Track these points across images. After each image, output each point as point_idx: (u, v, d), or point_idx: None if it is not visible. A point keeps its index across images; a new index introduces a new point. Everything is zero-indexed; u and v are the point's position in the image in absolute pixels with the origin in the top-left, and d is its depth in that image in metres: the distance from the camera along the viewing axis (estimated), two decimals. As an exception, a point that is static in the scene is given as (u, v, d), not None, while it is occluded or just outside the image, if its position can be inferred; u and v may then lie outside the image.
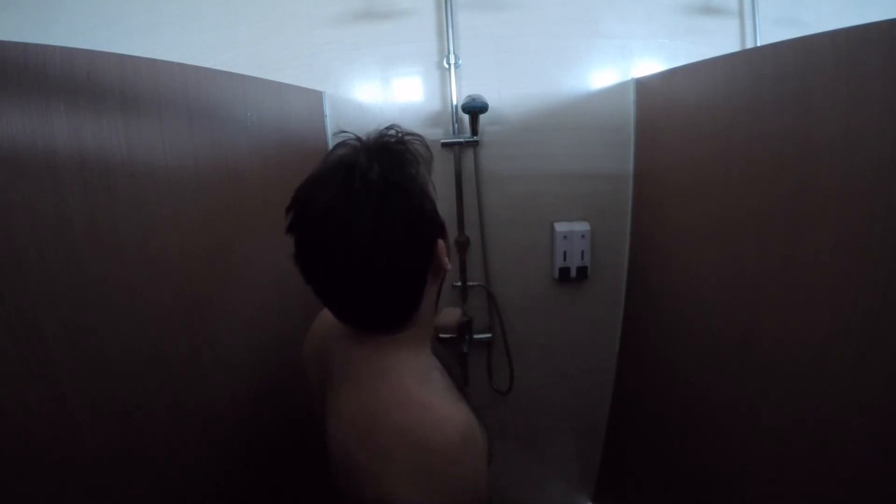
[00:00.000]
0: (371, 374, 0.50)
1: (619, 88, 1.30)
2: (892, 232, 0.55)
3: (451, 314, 1.13)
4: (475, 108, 1.20)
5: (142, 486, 0.61)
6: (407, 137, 0.52)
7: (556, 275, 1.39)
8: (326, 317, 0.62)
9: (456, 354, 1.39)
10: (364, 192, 0.44)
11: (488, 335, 1.45)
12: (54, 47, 0.52)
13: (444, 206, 1.42)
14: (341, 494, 0.48)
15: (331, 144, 1.33)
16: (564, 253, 1.36)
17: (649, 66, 1.29)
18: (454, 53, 1.26)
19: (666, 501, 1.20)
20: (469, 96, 1.23)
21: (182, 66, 0.75)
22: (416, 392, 0.48)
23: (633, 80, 1.29)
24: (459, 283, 1.40)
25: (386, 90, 1.31)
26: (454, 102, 1.27)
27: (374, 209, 0.44)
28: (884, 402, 0.57)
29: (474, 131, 1.25)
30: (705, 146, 0.96)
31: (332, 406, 0.51)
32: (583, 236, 1.35)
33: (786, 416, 0.74)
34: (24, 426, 0.47)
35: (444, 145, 1.29)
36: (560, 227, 1.36)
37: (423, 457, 0.43)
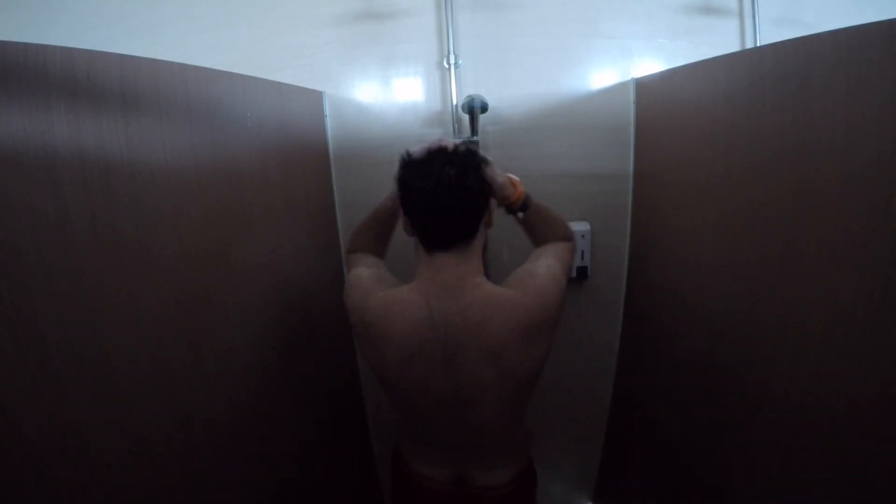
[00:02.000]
0: (461, 276, 0.78)
1: (619, 88, 1.30)
2: (891, 228, 0.55)
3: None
4: (475, 108, 1.20)
5: (141, 484, 0.61)
6: (466, 143, 0.84)
7: (556, 275, 1.39)
8: (361, 282, 0.85)
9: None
10: (459, 166, 0.76)
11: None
12: (54, 47, 0.53)
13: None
14: (464, 345, 0.77)
15: (331, 144, 1.33)
16: (564, 253, 1.36)
17: (649, 66, 1.29)
18: (454, 53, 1.26)
19: (666, 501, 1.20)
20: (469, 96, 1.23)
21: (182, 66, 0.75)
22: (492, 286, 0.80)
23: (633, 80, 1.29)
24: (459, 283, 1.40)
25: (386, 90, 1.31)
26: (454, 102, 1.27)
27: (464, 171, 0.76)
28: (883, 395, 0.57)
29: (474, 131, 1.25)
30: (705, 146, 0.96)
31: (445, 304, 0.77)
32: (583, 236, 1.35)
33: (787, 414, 0.74)
34: (23, 426, 0.47)
35: (444, 145, 1.29)
36: (560, 227, 1.36)
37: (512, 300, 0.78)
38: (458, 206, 0.76)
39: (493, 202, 0.84)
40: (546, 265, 0.84)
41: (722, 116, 0.90)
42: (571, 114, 1.30)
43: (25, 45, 0.49)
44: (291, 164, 1.13)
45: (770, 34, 1.30)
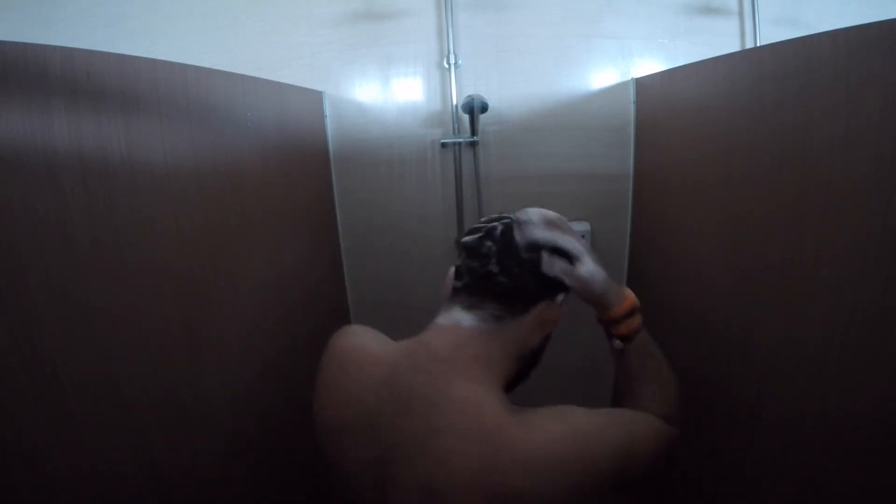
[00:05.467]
0: (458, 349, 0.58)
1: (619, 88, 1.30)
2: (892, 230, 0.55)
3: None
4: (475, 108, 1.20)
5: (142, 487, 0.61)
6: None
7: (556, 275, 1.39)
8: (347, 328, 0.67)
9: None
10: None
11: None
12: (54, 47, 0.52)
13: (444, 206, 1.42)
14: None
15: (331, 144, 1.33)
16: (564, 253, 1.36)
17: (649, 66, 1.29)
18: (454, 53, 1.26)
19: (666, 502, 1.20)
20: (469, 96, 1.23)
21: (182, 66, 0.75)
22: (492, 394, 0.58)
23: (633, 80, 1.29)
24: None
25: (386, 90, 1.31)
26: (454, 102, 1.27)
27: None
28: (885, 400, 0.57)
29: (474, 131, 1.25)
30: (705, 146, 0.96)
31: None
32: (583, 236, 1.35)
33: (787, 415, 0.74)
34: (23, 427, 0.47)
35: (444, 145, 1.29)
36: (560, 227, 1.35)
37: None
38: (495, 258, 0.58)
39: (560, 299, 0.63)
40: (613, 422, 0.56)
41: (722, 116, 0.90)
42: (571, 114, 1.30)
43: (25, 45, 0.49)
44: (291, 164, 1.13)
45: (770, 34, 1.30)
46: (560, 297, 0.62)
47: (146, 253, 0.64)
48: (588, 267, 0.61)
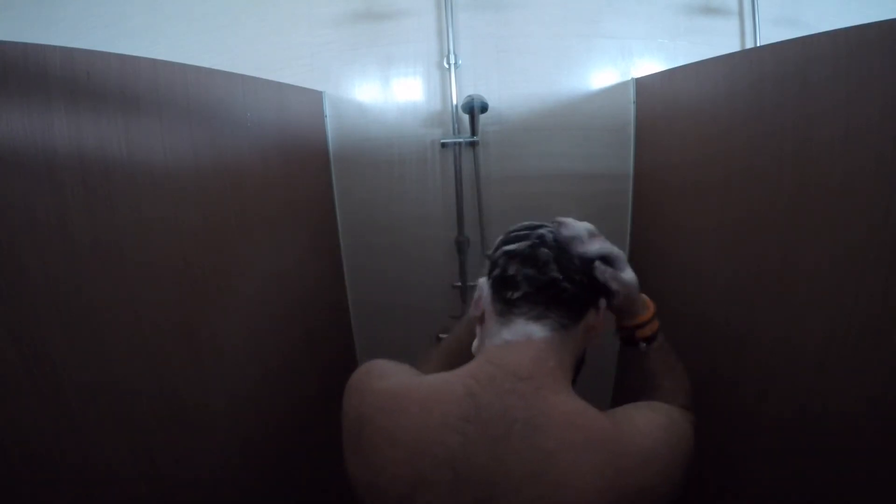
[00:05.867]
0: (539, 365, 0.56)
1: (619, 88, 1.30)
2: (891, 231, 0.55)
3: None
4: (475, 108, 1.21)
5: (141, 487, 0.61)
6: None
7: (556, 275, 1.39)
8: (375, 365, 0.61)
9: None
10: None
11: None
12: (54, 47, 0.52)
13: (444, 206, 1.41)
14: None
15: (331, 144, 1.33)
16: (564, 253, 1.36)
17: (649, 66, 1.29)
18: (454, 53, 1.26)
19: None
20: (469, 96, 1.23)
21: (182, 66, 0.75)
22: (580, 402, 0.56)
23: (633, 80, 1.29)
24: (459, 284, 1.40)
25: (386, 90, 1.31)
26: (454, 102, 1.27)
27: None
28: (884, 402, 0.57)
29: (474, 131, 1.25)
30: (705, 146, 0.96)
31: None
32: (583, 236, 1.35)
33: (785, 417, 0.74)
34: (23, 427, 0.47)
35: (444, 145, 1.29)
36: (560, 227, 1.36)
37: None
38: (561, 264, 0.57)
39: (603, 304, 0.62)
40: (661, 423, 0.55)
41: (722, 117, 0.90)
42: (571, 114, 1.30)
43: (25, 45, 0.49)
44: (292, 164, 1.13)
45: (770, 34, 1.30)
46: (602, 304, 0.62)
47: (146, 253, 0.64)
48: (630, 273, 0.63)
